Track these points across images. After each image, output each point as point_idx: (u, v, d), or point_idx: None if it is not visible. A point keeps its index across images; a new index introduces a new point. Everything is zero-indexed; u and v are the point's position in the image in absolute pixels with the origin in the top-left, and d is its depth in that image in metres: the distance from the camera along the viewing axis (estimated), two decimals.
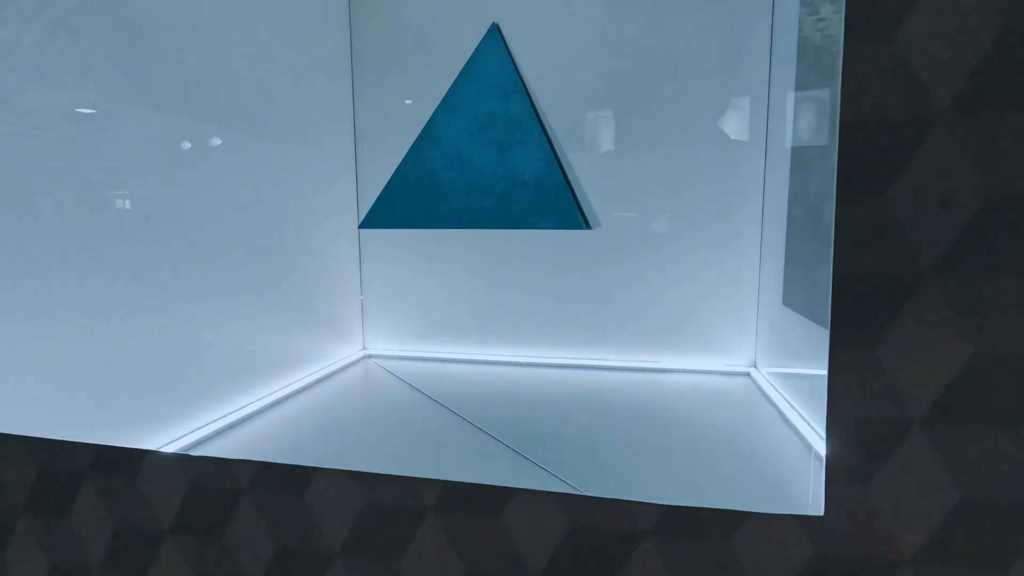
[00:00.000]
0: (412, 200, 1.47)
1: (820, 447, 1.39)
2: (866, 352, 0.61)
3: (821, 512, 0.64)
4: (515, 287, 2.26)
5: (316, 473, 0.79)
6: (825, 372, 0.63)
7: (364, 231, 2.36)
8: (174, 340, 1.45)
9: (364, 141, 2.30)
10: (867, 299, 0.61)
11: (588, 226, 1.40)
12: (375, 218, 1.44)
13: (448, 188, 1.41)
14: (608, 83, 2.07)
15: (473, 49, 1.38)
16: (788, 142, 1.65)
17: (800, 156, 1.58)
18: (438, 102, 1.43)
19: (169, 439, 1.44)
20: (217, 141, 1.55)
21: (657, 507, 0.68)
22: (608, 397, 1.91)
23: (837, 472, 0.63)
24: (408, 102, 2.21)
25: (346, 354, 2.32)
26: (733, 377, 2.05)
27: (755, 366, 2.07)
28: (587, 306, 2.20)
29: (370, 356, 2.39)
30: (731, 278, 2.05)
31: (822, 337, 0.63)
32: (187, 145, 1.46)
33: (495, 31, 1.39)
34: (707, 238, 2.05)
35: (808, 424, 1.51)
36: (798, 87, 1.59)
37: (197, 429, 1.52)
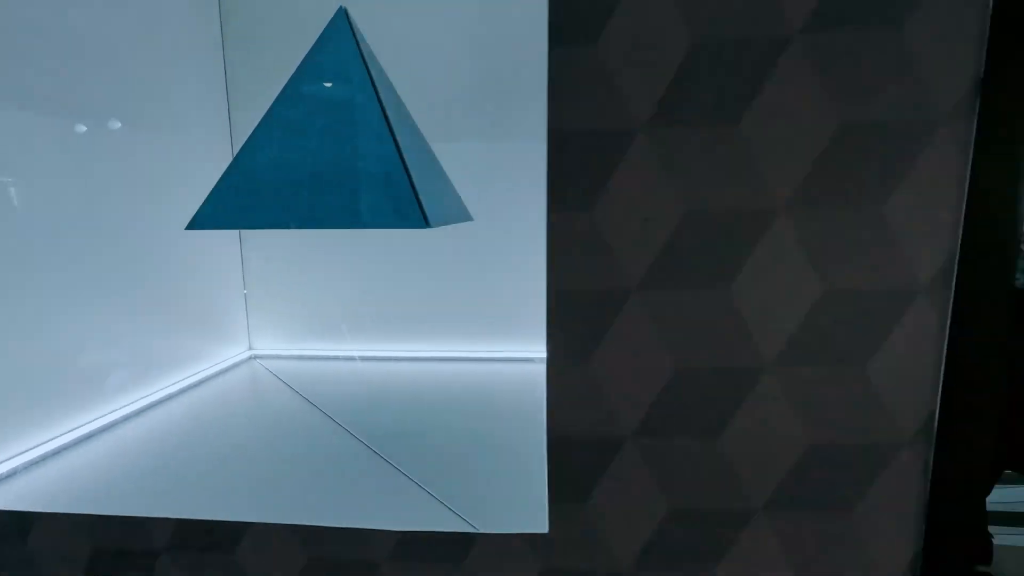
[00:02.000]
0: (247, 198, 1.38)
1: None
2: (580, 369, 0.61)
3: (546, 529, 0.64)
4: (381, 280, 2.18)
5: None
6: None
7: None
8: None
9: (240, 127, 2.17)
10: (580, 315, 0.60)
11: (428, 224, 1.31)
12: (205, 218, 1.34)
13: (286, 185, 1.30)
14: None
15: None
16: None
17: None
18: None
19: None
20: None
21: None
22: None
23: (559, 489, 0.63)
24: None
25: (229, 355, 2.22)
26: None
27: None
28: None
29: (256, 357, 2.30)
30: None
31: None
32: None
33: (342, 15, 1.31)
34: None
35: None
36: None
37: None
